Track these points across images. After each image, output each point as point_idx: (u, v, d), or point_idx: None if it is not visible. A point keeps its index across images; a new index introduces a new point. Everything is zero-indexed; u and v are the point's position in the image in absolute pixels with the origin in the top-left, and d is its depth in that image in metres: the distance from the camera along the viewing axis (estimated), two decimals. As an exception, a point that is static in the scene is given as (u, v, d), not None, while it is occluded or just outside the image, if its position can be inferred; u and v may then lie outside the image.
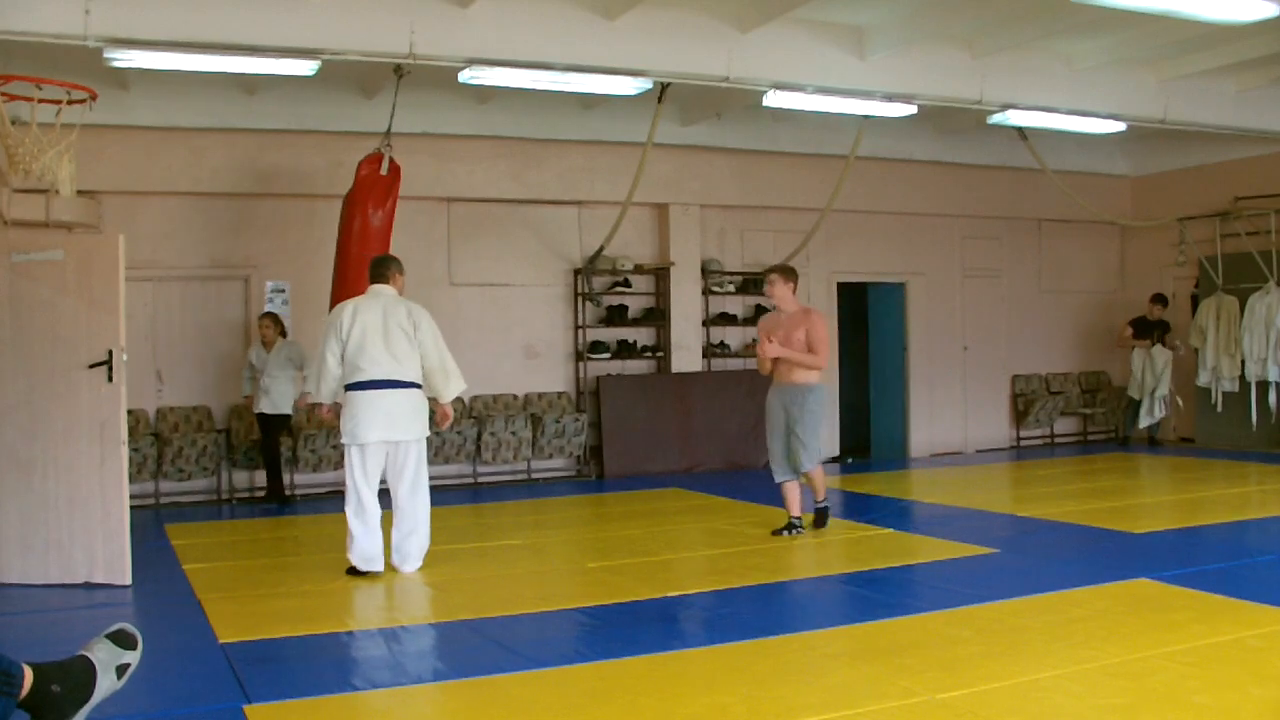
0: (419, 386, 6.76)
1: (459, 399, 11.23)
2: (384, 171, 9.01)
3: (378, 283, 6.91)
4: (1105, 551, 7.04)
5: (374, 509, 6.68)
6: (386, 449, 6.71)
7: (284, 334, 9.93)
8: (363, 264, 8.08)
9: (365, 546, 6.65)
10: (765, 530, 8.28)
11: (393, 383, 6.64)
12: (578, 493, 10.59)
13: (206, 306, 10.42)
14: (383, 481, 6.79)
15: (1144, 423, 13.34)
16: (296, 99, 10.22)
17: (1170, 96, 10.88)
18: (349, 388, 6.70)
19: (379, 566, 6.67)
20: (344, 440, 6.75)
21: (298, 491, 10.30)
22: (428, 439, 6.89)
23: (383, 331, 6.65)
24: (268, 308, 10.36)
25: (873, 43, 9.42)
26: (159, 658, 4.72)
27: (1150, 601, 5.63)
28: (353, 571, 6.63)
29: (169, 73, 8.72)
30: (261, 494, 10.15)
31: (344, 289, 8.69)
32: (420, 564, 6.76)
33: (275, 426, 9.80)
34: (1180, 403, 13.25)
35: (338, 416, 6.85)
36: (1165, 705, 3.97)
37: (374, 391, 6.63)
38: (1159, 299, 13.47)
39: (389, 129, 9.00)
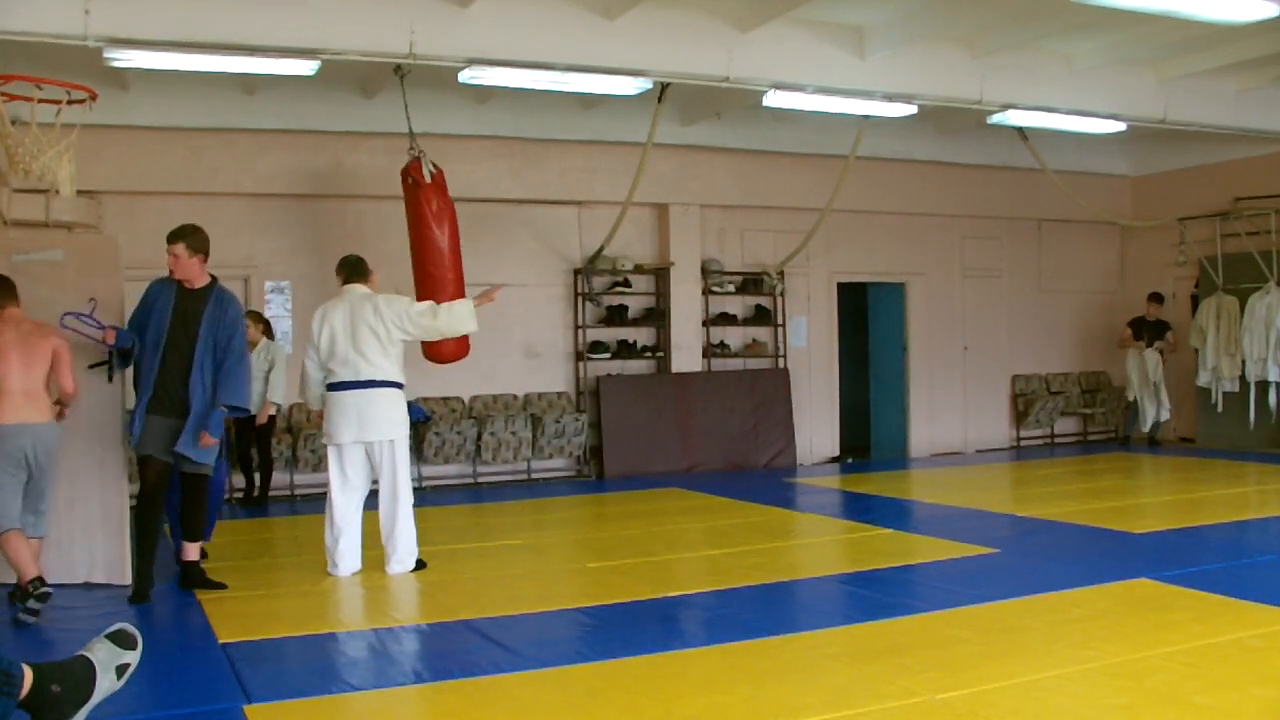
0: (395, 385, 6.74)
1: (460, 398, 11.24)
2: (427, 179, 8.89)
3: (350, 282, 6.92)
4: (1105, 551, 7.04)
5: (345, 511, 6.69)
6: (365, 449, 6.72)
7: (270, 335, 9.74)
8: (438, 278, 8.45)
9: (330, 548, 6.69)
10: (765, 530, 8.28)
11: (363, 383, 6.64)
12: (578, 493, 10.59)
13: (206, 306, 10.40)
14: (377, 482, 6.81)
15: (1146, 425, 13.36)
16: (296, 99, 10.22)
17: (1170, 96, 10.88)
18: (328, 390, 6.77)
19: (344, 570, 6.65)
20: (323, 441, 6.85)
21: (297, 491, 10.29)
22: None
23: (349, 332, 6.66)
24: (250, 307, 10.30)
25: (873, 43, 9.42)
26: (159, 658, 4.73)
27: (1150, 601, 5.63)
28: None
29: (169, 73, 8.72)
30: (258, 495, 10.09)
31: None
32: (405, 567, 6.71)
33: (263, 427, 9.76)
34: (1163, 414, 13.30)
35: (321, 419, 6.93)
36: (1165, 705, 3.97)
37: (346, 392, 6.66)
38: (1155, 298, 13.50)
39: (410, 131, 8.97)
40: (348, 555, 6.68)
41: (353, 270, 6.98)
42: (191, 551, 6.37)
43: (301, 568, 6.88)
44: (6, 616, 5.81)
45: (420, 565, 6.79)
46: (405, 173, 9.00)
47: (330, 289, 9.35)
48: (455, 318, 6.82)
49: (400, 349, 6.80)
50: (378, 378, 6.66)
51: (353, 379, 6.65)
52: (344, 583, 6.55)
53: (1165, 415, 13.34)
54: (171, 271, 6.33)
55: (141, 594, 6.08)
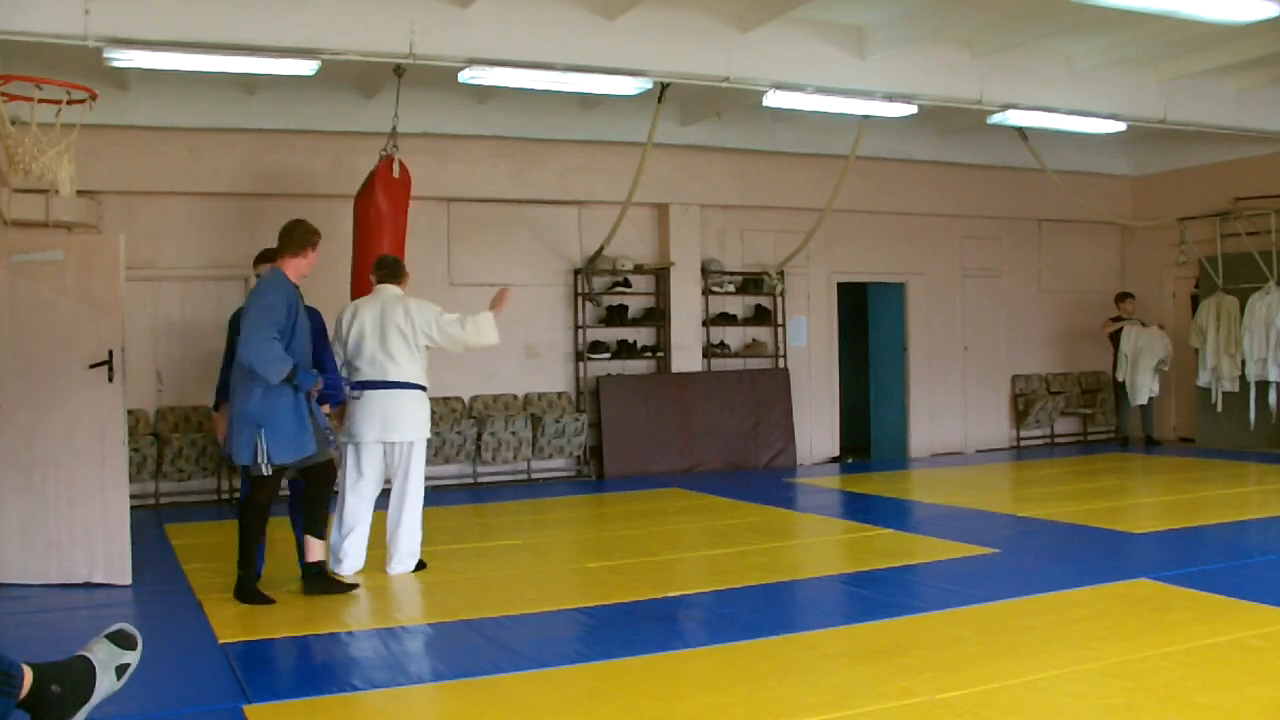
0: (418, 387, 6.75)
1: (460, 398, 11.25)
2: (395, 174, 8.99)
3: (384, 283, 6.93)
4: (1105, 551, 7.04)
5: (356, 510, 6.72)
6: (383, 449, 6.73)
7: None
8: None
9: (335, 545, 6.68)
10: (765, 530, 8.28)
11: (388, 384, 6.65)
12: (578, 493, 10.59)
13: (206, 306, 10.40)
14: (389, 482, 6.83)
15: (1141, 398, 13.04)
16: (296, 99, 10.22)
17: (1170, 96, 10.88)
18: (350, 388, 6.75)
19: (347, 568, 6.64)
20: (342, 439, 6.82)
21: (298, 491, 10.27)
22: (428, 439, 6.89)
23: (379, 332, 6.67)
24: None
25: (873, 43, 9.42)
26: (159, 658, 4.72)
27: (1150, 601, 5.63)
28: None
29: (169, 73, 8.72)
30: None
31: (359, 288, 8.73)
32: (406, 567, 6.72)
33: None
34: (1155, 389, 13.12)
35: (342, 418, 6.89)
36: (1165, 705, 3.97)
37: (369, 392, 6.66)
38: (1127, 296, 13.44)
39: (394, 130, 8.99)
40: (352, 553, 6.69)
41: (388, 271, 6.99)
42: (318, 550, 6.24)
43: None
44: (6, 616, 5.82)
45: (420, 566, 6.80)
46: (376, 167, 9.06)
47: (330, 289, 9.40)
48: (480, 330, 6.74)
49: (425, 353, 6.81)
50: (402, 379, 6.66)
51: (378, 379, 6.65)
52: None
53: (1155, 391, 13.08)
54: (303, 274, 6.18)
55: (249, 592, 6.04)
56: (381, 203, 9.02)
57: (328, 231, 10.63)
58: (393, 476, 6.76)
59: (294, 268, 6.09)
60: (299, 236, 6.10)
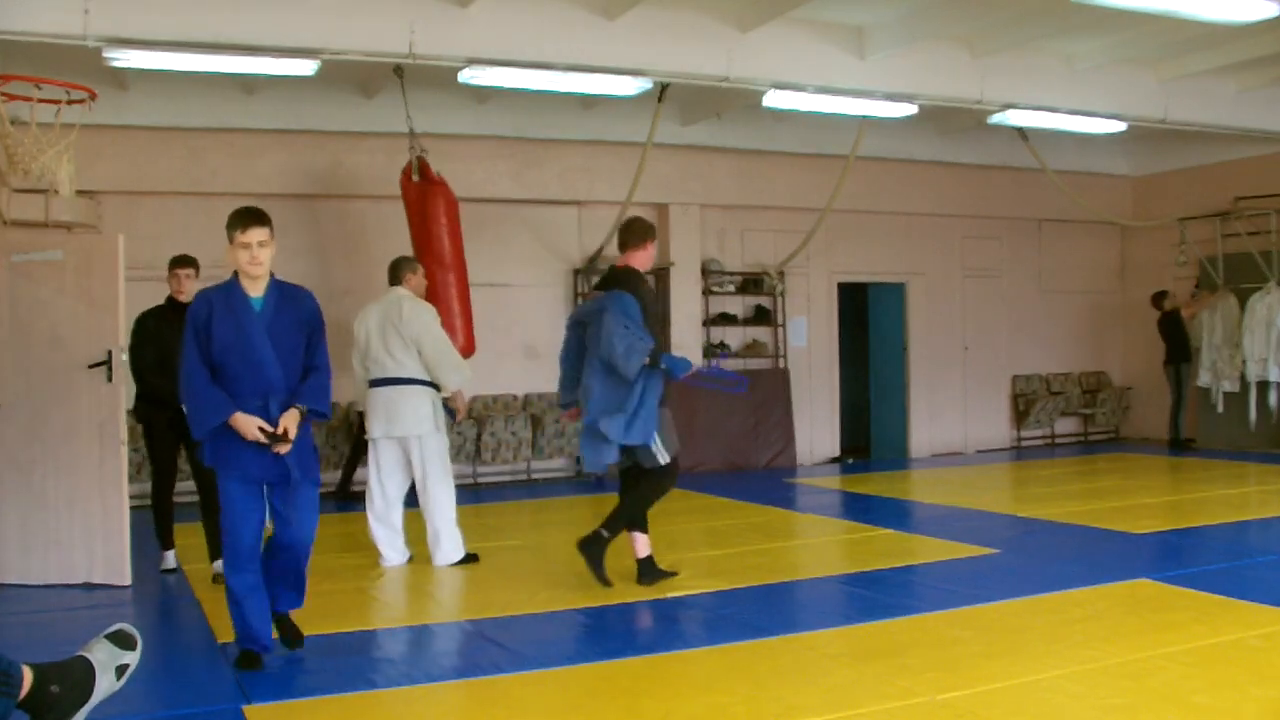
0: (420, 383, 6.87)
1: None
2: (415, 178, 9.10)
3: (391, 284, 7.12)
4: (1105, 551, 7.04)
5: (379, 503, 6.96)
6: (400, 445, 6.92)
7: None
8: (429, 271, 8.37)
9: (375, 536, 6.97)
10: (765, 530, 8.28)
11: (391, 380, 6.83)
12: (578, 493, 10.58)
13: (206, 306, 10.42)
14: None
15: (1260, 376, 12.34)
16: (296, 99, 10.22)
17: (1170, 96, 10.88)
18: (367, 387, 7.02)
19: (387, 562, 6.92)
20: (364, 436, 7.20)
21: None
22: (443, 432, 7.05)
23: (380, 332, 6.88)
24: None
25: (873, 43, 9.42)
26: (159, 658, 4.73)
27: (1150, 601, 5.63)
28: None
29: (168, 73, 8.72)
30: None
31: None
32: (451, 559, 6.91)
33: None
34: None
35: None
36: (1165, 705, 3.97)
37: (377, 389, 6.90)
38: (1165, 294, 13.28)
39: (410, 131, 9.02)
40: (384, 545, 6.95)
41: (391, 273, 7.20)
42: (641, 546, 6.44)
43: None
44: (6, 616, 5.82)
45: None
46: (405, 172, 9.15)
47: (330, 289, 9.42)
48: (449, 366, 6.88)
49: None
50: (404, 375, 6.83)
51: (382, 376, 6.87)
52: (343, 583, 6.55)
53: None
54: (647, 266, 6.35)
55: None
56: (408, 206, 9.16)
57: (330, 231, 10.73)
58: (415, 473, 6.93)
59: (639, 260, 6.24)
60: (638, 230, 6.27)
